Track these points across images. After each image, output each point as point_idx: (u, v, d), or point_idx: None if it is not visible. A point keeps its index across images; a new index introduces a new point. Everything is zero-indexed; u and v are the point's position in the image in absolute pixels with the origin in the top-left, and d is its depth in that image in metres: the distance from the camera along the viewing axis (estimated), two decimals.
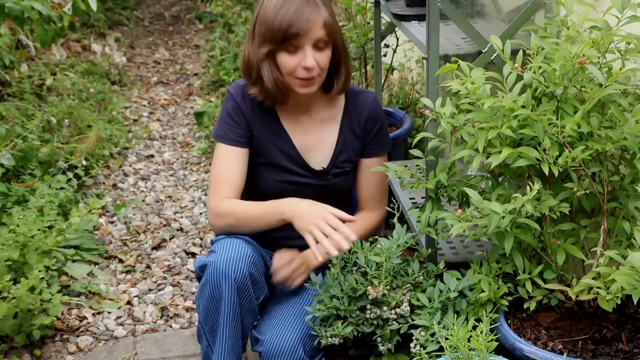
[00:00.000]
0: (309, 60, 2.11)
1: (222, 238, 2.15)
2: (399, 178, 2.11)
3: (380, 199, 2.36)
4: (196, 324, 2.78)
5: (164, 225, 3.53)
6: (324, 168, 2.30)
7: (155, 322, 2.81)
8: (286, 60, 2.13)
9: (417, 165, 2.21)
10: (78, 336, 2.72)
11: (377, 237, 2.15)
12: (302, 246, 2.17)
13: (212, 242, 2.36)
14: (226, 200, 2.21)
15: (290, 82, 2.17)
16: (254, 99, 2.24)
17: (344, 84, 2.25)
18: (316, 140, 2.30)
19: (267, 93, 2.19)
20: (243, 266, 2.02)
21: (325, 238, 2.00)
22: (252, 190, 2.30)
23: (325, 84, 2.24)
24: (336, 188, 2.33)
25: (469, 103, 1.93)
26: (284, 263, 2.18)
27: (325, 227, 2.02)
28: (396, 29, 3.34)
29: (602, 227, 1.87)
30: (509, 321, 1.98)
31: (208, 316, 2.05)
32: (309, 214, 2.06)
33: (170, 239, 3.40)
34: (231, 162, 2.24)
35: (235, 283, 2.00)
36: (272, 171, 2.29)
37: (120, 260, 3.23)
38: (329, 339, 2.01)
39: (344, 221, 2.06)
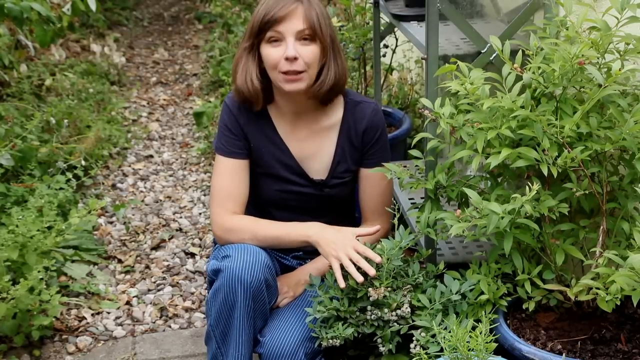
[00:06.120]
0: (290, 51, 2.05)
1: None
2: (398, 178, 2.11)
3: (382, 211, 2.28)
4: (195, 324, 2.78)
5: (163, 226, 3.52)
6: (322, 180, 2.27)
7: (154, 323, 2.81)
8: (269, 52, 2.09)
9: (416, 166, 2.21)
10: (77, 336, 2.71)
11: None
12: (311, 251, 2.21)
13: (214, 243, 2.36)
14: (235, 216, 2.19)
15: (276, 78, 2.11)
16: (250, 109, 2.22)
17: (328, 89, 2.14)
18: (314, 148, 2.26)
19: (239, 92, 2.17)
20: (259, 271, 2.01)
21: (352, 265, 2.00)
22: (252, 198, 2.28)
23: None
24: (336, 197, 2.31)
25: (468, 103, 1.93)
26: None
27: (353, 255, 2.01)
28: (395, 29, 3.35)
29: (601, 227, 1.87)
30: (508, 321, 1.98)
31: (220, 320, 2.04)
32: (335, 242, 2.05)
33: (169, 239, 3.40)
34: (233, 175, 2.22)
35: (250, 288, 1.99)
36: (272, 181, 2.27)
37: (120, 261, 3.23)
38: (330, 341, 2.01)
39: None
